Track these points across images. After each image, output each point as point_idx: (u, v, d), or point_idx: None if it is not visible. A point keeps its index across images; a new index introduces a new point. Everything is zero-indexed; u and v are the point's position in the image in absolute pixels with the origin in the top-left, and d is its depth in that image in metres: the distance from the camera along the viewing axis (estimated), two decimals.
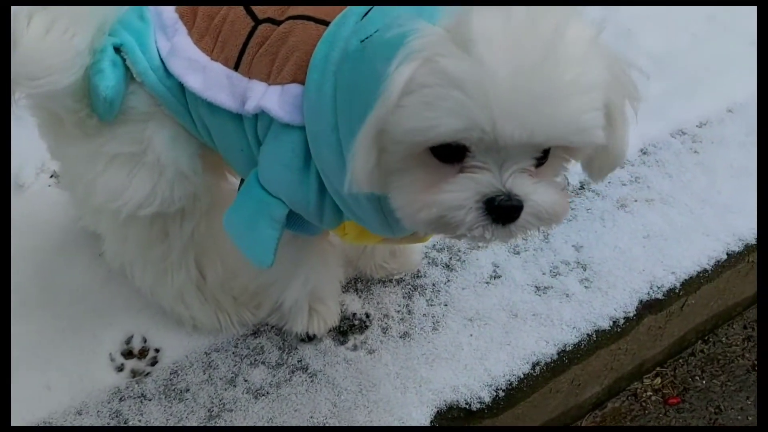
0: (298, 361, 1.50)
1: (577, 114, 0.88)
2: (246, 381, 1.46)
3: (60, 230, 1.61)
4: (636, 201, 1.89)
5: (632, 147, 2.02)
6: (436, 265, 1.70)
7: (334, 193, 1.11)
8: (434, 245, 1.73)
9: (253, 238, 1.18)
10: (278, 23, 1.15)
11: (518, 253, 1.74)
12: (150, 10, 1.20)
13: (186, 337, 1.51)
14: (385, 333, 1.56)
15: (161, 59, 1.18)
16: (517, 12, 0.85)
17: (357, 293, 1.63)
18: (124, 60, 1.16)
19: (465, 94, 0.83)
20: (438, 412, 1.44)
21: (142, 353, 1.49)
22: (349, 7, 1.11)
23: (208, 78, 1.16)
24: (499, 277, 1.69)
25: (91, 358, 1.46)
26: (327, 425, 1.40)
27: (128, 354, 1.49)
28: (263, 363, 1.49)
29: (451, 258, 1.72)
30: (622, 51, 2.16)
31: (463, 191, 0.89)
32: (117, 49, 1.16)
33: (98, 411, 1.39)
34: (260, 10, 1.18)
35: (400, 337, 1.56)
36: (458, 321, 1.59)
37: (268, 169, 1.16)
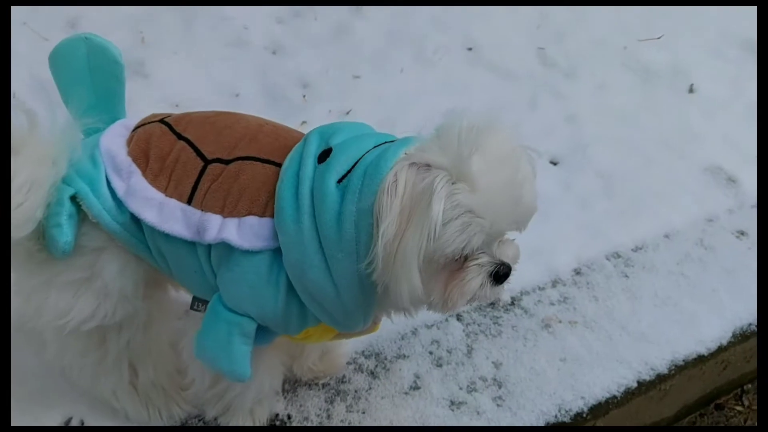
0: None
1: (533, 204, 1.27)
2: None
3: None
4: (560, 322, 2.03)
5: (567, 266, 2.18)
6: (362, 372, 1.84)
7: (312, 301, 1.30)
8: (363, 351, 1.88)
9: (229, 356, 1.34)
10: (227, 162, 1.34)
11: (440, 365, 1.88)
12: (103, 155, 1.36)
13: (120, 424, 1.65)
14: None
15: (117, 199, 1.34)
16: (490, 152, 1.19)
17: (283, 394, 1.77)
18: (79, 206, 1.32)
19: (480, 217, 1.18)
20: None
21: None
22: (294, 149, 1.32)
23: (164, 213, 1.33)
24: (418, 388, 1.83)
25: None
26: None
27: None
28: None
29: (377, 365, 1.86)
30: (576, 164, 2.29)
31: (479, 276, 1.26)
32: (73, 197, 1.31)
33: None
34: (208, 151, 1.35)
35: None
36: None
37: (233, 292, 1.33)
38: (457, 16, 3.04)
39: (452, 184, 1.17)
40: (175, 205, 1.33)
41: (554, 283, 2.13)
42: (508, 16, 3.10)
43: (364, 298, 1.30)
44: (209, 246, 1.33)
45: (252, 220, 1.30)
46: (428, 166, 1.18)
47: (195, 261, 1.36)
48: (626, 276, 2.19)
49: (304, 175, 1.27)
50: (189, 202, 1.33)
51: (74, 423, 1.66)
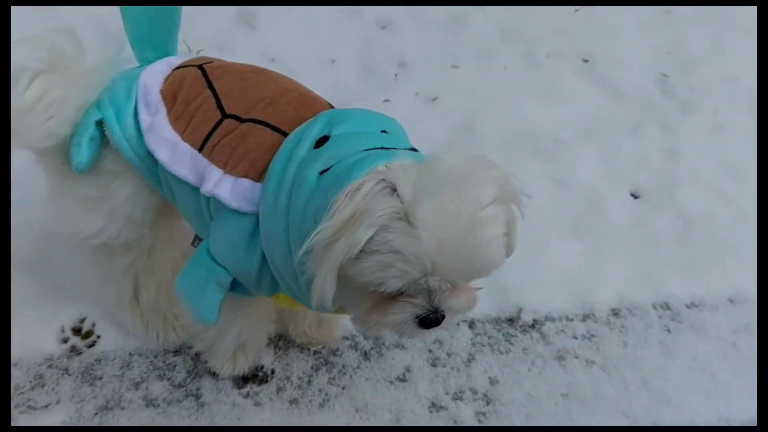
0: (196, 389, 1.74)
1: (490, 264, 1.18)
2: (147, 389, 1.72)
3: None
4: (576, 357, 1.92)
5: (605, 304, 2.05)
6: (356, 350, 1.86)
7: (277, 273, 1.34)
8: None
9: (201, 300, 1.41)
10: (241, 121, 1.39)
11: (435, 365, 1.86)
12: (139, 87, 1.45)
13: (122, 336, 1.79)
14: (277, 393, 1.76)
15: (140, 130, 1.43)
16: (450, 205, 1.11)
17: (275, 349, 1.83)
18: (104, 131, 1.43)
19: (407, 263, 1.11)
20: None
21: (87, 335, 1.80)
22: (303, 126, 1.33)
23: (176, 155, 1.41)
24: (405, 381, 1.82)
25: (46, 323, 1.79)
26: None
27: (77, 331, 1.80)
28: (168, 379, 1.74)
29: (372, 348, 1.87)
30: (659, 201, 2.05)
31: (403, 313, 1.20)
32: (99, 122, 1.43)
33: (27, 369, 1.71)
34: (228, 106, 1.41)
35: (289, 401, 1.75)
36: (346, 406, 1.75)
37: (217, 244, 1.40)
38: (582, 26, 2.90)
39: (397, 219, 1.11)
40: (187, 150, 1.40)
41: (585, 317, 2.02)
42: (640, 37, 2.92)
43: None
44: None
45: (246, 182, 1.34)
46: (394, 190, 1.13)
47: (197, 203, 1.43)
48: (668, 330, 2.03)
49: (296, 154, 1.28)
50: (200, 149, 1.40)
51: (87, 322, 1.81)
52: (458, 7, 2.84)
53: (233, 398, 1.74)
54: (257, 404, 1.74)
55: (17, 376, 1.70)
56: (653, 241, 2.22)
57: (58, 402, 1.67)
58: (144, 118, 1.44)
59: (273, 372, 1.80)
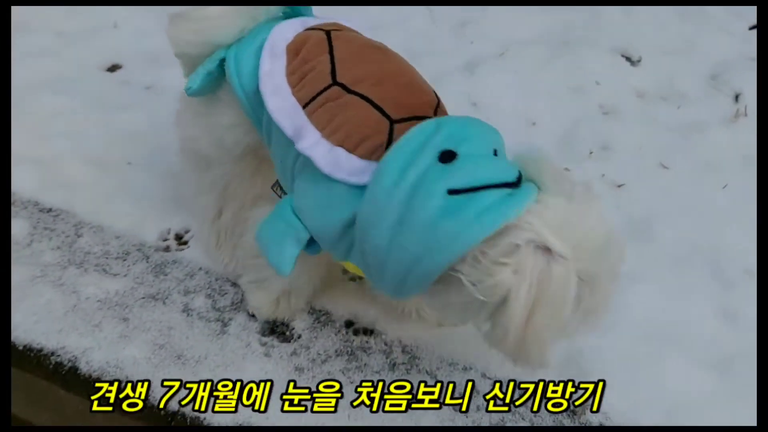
0: (229, 319, 1.80)
1: None
2: (192, 299, 1.84)
3: None
4: None
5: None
6: (386, 357, 1.74)
7: (359, 252, 1.40)
8: (408, 347, 1.77)
9: (278, 251, 1.50)
10: (347, 91, 1.46)
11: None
12: (270, 37, 1.58)
13: (204, 253, 1.95)
14: (290, 355, 1.73)
15: (256, 74, 1.54)
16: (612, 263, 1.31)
17: (315, 320, 1.81)
18: (223, 68, 1.60)
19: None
20: None
21: (182, 242, 1.99)
22: (423, 127, 1.36)
23: (282, 105, 1.50)
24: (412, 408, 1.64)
25: (159, 220, 2.02)
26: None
27: (178, 237, 2.01)
28: (213, 300, 1.84)
29: (403, 363, 1.73)
30: None
31: None
32: (222, 61, 1.60)
33: (122, 244, 1.96)
34: (340, 74, 1.49)
35: (295, 368, 1.71)
36: (342, 399, 1.64)
37: (304, 202, 1.47)
38: None
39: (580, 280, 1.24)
40: (293, 103, 1.49)
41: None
42: None
43: (406, 287, 1.35)
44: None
45: (340, 151, 1.41)
46: (549, 249, 1.22)
47: (287, 155, 1.52)
48: None
49: (418, 162, 1.31)
50: (304, 106, 1.48)
51: (188, 235, 2.01)
52: (701, 120, 2.57)
53: (251, 341, 1.76)
54: (267, 355, 1.73)
55: (113, 245, 1.95)
56: None
57: (125, 275, 1.88)
58: (265, 63, 1.55)
59: (299, 337, 1.77)
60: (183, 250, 1.97)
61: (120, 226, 2.00)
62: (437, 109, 1.51)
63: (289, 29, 1.61)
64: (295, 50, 1.56)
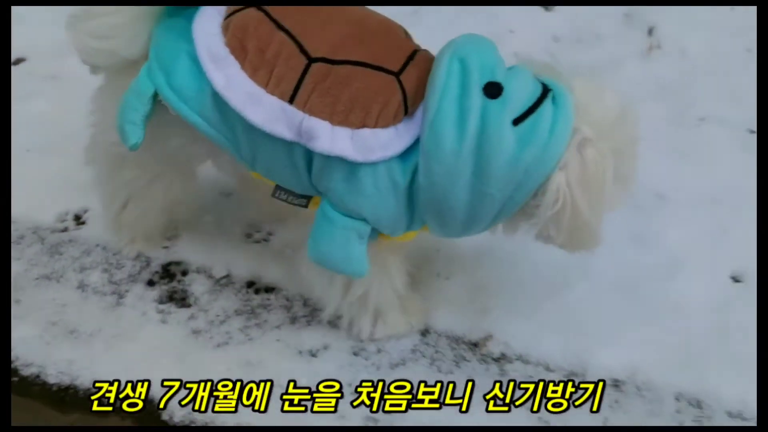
0: (125, 291, 1.75)
1: None
2: (87, 276, 1.79)
3: None
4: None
5: (605, 368, 1.58)
6: (287, 312, 1.70)
7: (436, 219, 1.37)
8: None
9: (348, 257, 1.40)
10: (332, 63, 1.31)
11: (357, 354, 1.60)
12: (197, 42, 1.34)
13: (102, 230, 1.88)
14: (187, 320, 1.69)
15: (202, 90, 1.34)
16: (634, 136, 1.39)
17: (218, 284, 1.76)
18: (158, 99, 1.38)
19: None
20: None
21: (80, 222, 1.94)
22: (444, 69, 1.30)
23: (263, 109, 1.31)
24: (315, 356, 1.61)
25: (55, 202, 1.96)
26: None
27: (77, 218, 1.94)
28: (109, 274, 1.80)
29: (304, 316, 1.69)
30: None
31: None
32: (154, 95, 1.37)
33: (17, 228, 1.90)
34: (312, 48, 1.31)
35: (192, 331, 1.67)
36: (239, 356, 1.60)
37: (351, 200, 1.35)
38: None
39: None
40: (276, 103, 1.31)
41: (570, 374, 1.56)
42: None
43: (487, 223, 1.37)
44: (310, 150, 1.33)
45: (366, 132, 1.30)
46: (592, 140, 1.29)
47: (289, 158, 1.36)
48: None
49: (470, 105, 1.27)
50: (291, 101, 1.31)
51: (87, 216, 1.94)
52: (616, 56, 2.53)
53: (147, 309, 1.71)
54: (163, 322, 1.69)
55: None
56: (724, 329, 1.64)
57: (19, 259, 1.82)
58: (215, 76, 1.32)
59: (196, 301, 1.72)
60: (80, 228, 1.91)
61: (16, 211, 1.94)
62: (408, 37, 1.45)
63: (210, 22, 1.38)
64: (239, 44, 1.33)
